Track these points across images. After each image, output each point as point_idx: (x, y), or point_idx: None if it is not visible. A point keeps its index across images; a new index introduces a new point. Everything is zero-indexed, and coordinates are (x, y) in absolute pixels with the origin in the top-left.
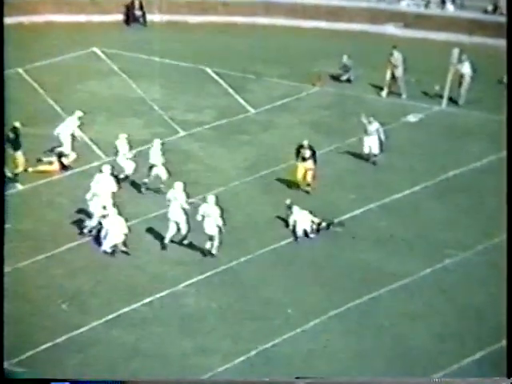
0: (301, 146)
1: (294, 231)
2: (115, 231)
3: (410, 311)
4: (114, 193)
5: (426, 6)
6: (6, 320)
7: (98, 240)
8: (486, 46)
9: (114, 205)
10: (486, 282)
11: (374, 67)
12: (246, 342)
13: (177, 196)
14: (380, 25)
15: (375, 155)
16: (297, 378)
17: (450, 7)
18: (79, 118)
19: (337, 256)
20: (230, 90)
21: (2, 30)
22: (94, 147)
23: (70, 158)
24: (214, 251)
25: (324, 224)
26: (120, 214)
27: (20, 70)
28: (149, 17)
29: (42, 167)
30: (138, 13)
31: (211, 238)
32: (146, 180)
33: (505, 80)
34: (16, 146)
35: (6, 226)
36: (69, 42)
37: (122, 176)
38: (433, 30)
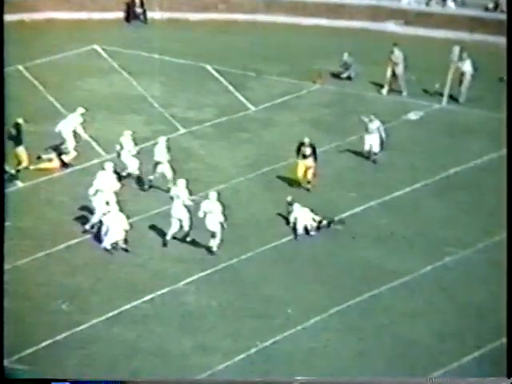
0: (301, 144)
1: (294, 229)
2: (116, 228)
3: (411, 309)
4: (116, 190)
5: (427, 3)
6: (6, 318)
7: (98, 237)
8: (487, 44)
9: (116, 201)
10: (487, 280)
11: (374, 65)
12: (246, 339)
13: (180, 193)
14: (381, 22)
15: (376, 153)
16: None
17: (450, 5)
18: (82, 115)
19: (337, 254)
20: (231, 88)
21: (2, 28)
22: (95, 145)
23: (70, 156)
24: (214, 248)
25: (325, 222)
26: (121, 210)
27: (20, 68)
28: (149, 14)
29: (42, 165)
30: (138, 10)
31: (213, 235)
32: (151, 177)
33: (505, 78)
34: (18, 142)
35: (6, 223)
36: (69, 40)
37: (124, 173)
38: (433, 27)
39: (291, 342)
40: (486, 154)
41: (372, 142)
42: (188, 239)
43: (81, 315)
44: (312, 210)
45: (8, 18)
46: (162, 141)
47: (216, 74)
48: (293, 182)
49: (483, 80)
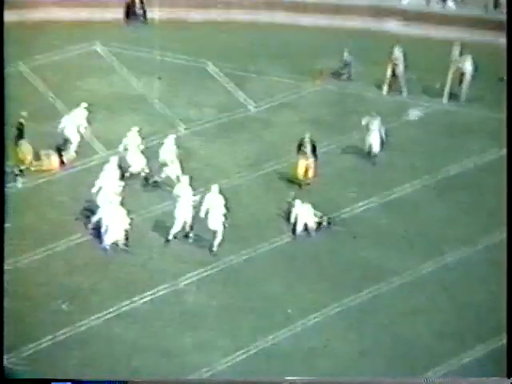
0: (302, 141)
1: (294, 226)
2: (116, 227)
3: (411, 308)
4: (119, 187)
5: (427, 3)
6: (6, 317)
7: (98, 236)
8: (487, 44)
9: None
10: (487, 279)
11: (374, 64)
12: (246, 338)
13: (183, 191)
14: (381, 22)
15: (376, 153)
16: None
17: (450, 4)
18: (85, 109)
19: (337, 253)
20: (231, 87)
21: (2, 27)
22: (95, 144)
23: (69, 157)
24: (214, 248)
25: (325, 222)
26: (122, 209)
27: (20, 67)
28: (149, 14)
29: (41, 164)
30: (138, 10)
31: (215, 234)
32: (158, 178)
33: (505, 78)
34: (20, 138)
35: (6, 223)
36: (69, 39)
37: (127, 174)
38: (434, 27)
39: (291, 340)
40: (486, 153)
41: (372, 142)
42: (190, 239)
43: (81, 314)
44: (314, 208)
45: (8, 17)
46: (169, 140)
47: (216, 74)
48: (293, 181)
49: (483, 80)
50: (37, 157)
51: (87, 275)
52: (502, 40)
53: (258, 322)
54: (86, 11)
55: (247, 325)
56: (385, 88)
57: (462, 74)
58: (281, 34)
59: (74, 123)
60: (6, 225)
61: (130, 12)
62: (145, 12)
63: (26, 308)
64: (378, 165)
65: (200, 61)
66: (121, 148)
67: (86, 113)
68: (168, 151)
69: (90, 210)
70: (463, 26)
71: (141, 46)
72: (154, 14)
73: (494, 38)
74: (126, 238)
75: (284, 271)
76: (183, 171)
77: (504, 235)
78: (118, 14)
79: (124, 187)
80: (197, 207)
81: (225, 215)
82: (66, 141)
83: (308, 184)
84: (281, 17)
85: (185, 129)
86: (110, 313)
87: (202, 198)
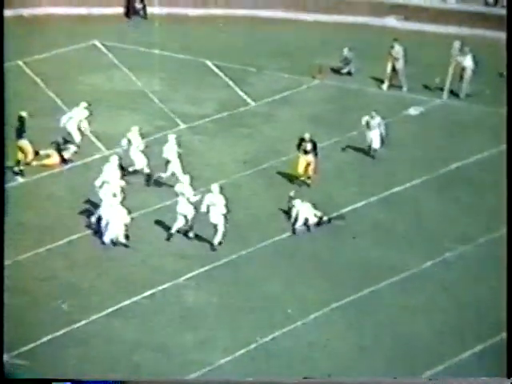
0: (302, 139)
1: (294, 224)
2: (116, 222)
3: (410, 305)
4: (120, 184)
5: None
6: (6, 313)
7: (98, 232)
8: (487, 39)
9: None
10: (487, 275)
11: (374, 60)
12: (246, 335)
13: (184, 189)
14: (381, 17)
15: (376, 149)
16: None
17: (451, 0)
18: (85, 109)
19: (337, 250)
20: (231, 83)
21: (1, 23)
22: (95, 140)
23: (70, 151)
24: (216, 242)
25: (325, 218)
26: (122, 205)
27: (20, 63)
28: (149, 9)
29: (42, 161)
30: (138, 5)
31: (216, 229)
32: (163, 175)
33: (505, 73)
34: (21, 134)
35: (7, 218)
36: (69, 35)
37: (131, 169)
38: (434, 22)
39: (291, 337)
40: (486, 149)
41: (373, 139)
42: (190, 235)
43: (81, 311)
44: (313, 205)
45: (7, 13)
46: (171, 138)
47: (216, 70)
48: (293, 178)
49: (483, 75)
50: (37, 156)
51: (87, 271)
52: (502, 35)
53: (258, 319)
54: (86, 7)
55: (247, 322)
56: (385, 84)
57: (463, 70)
58: (281, 30)
59: (75, 120)
60: (7, 218)
61: (129, 8)
62: (145, 8)
63: (26, 303)
64: (378, 161)
65: (200, 56)
66: (124, 143)
67: (86, 111)
68: (171, 149)
69: (93, 204)
70: (463, 21)
71: (141, 42)
72: (154, 9)
73: (493, 34)
74: (127, 235)
75: (284, 269)
76: (183, 168)
77: (504, 231)
78: (118, 9)
79: (126, 184)
80: (197, 206)
81: (225, 215)
82: (67, 138)
83: (309, 178)
84: (280, 13)
85: (184, 124)
86: (110, 309)
87: (203, 197)
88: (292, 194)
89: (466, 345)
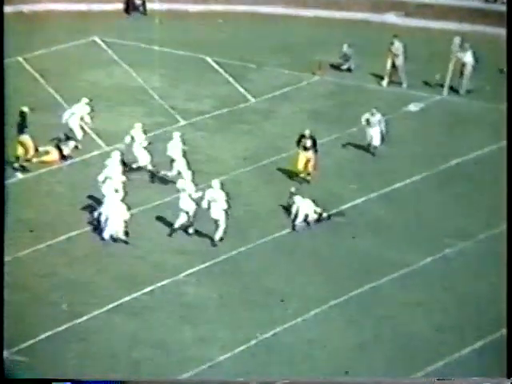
0: (302, 136)
1: (294, 220)
2: (115, 218)
3: (410, 301)
4: (122, 180)
5: None
6: (6, 309)
7: (98, 228)
8: (487, 35)
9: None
10: (487, 271)
11: (374, 56)
12: (246, 331)
13: (186, 185)
14: (381, 14)
15: (376, 147)
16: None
17: None
18: (86, 104)
19: (337, 245)
20: (231, 79)
21: (1, 19)
22: (94, 136)
23: (70, 147)
24: (217, 238)
25: (325, 215)
26: (122, 201)
27: (20, 59)
28: (149, 5)
29: (41, 158)
30: (137, 1)
31: (217, 224)
32: (169, 174)
33: (505, 69)
34: (22, 130)
35: (6, 215)
36: (69, 31)
37: (134, 166)
38: (434, 18)
39: (291, 333)
40: (486, 145)
41: (373, 136)
42: (190, 231)
43: (81, 307)
44: (313, 202)
45: (7, 9)
46: (176, 136)
47: (216, 66)
48: (293, 174)
49: (483, 71)
50: (36, 152)
51: (87, 267)
52: (502, 31)
53: (258, 315)
54: (86, 3)
55: (247, 318)
56: (385, 80)
57: (463, 66)
58: (280, 26)
59: (76, 116)
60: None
61: (129, 4)
62: (144, 4)
63: (26, 299)
64: (378, 157)
65: (199, 52)
66: (127, 139)
67: (88, 107)
68: (175, 147)
69: (95, 200)
70: (463, 17)
71: (141, 38)
72: (154, 5)
73: (493, 30)
74: (126, 232)
75: (284, 263)
76: (188, 165)
77: (504, 227)
78: (118, 5)
79: (127, 180)
80: (199, 202)
81: (226, 210)
82: (67, 134)
83: (308, 175)
84: (280, 9)
85: (184, 121)
86: (110, 305)
87: (203, 193)
88: (293, 189)
89: (465, 341)
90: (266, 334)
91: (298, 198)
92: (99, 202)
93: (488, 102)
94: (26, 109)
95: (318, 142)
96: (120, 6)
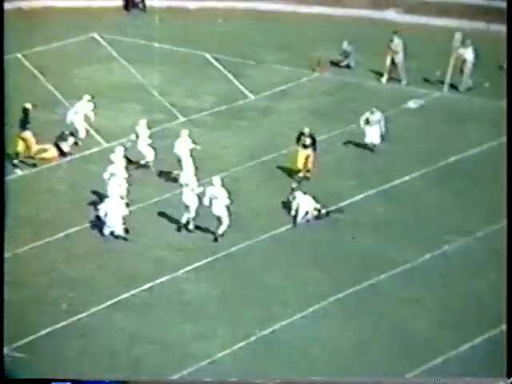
0: (301, 134)
1: (295, 216)
2: (114, 215)
3: (410, 297)
4: (124, 177)
5: None
6: (6, 306)
7: (99, 225)
8: (487, 32)
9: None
10: (486, 268)
11: (374, 53)
12: (245, 327)
13: (188, 181)
14: (380, 10)
15: (375, 145)
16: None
17: None
18: (88, 101)
19: (337, 242)
20: (230, 76)
21: (1, 16)
22: (94, 133)
23: (69, 143)
24: (219, 232)
25: (323, 211)
26: (121, 197)
27: (19, 56)
28: (148, 2)
29: (41, 154)
30: None
31: (220, 221)
32: (177, 172)
33: (505, 66)
34: (24, 126)
35: (6, 211)
36: (68, 28)
37: (142, 162)
38: (433, 15)
39: (291, 329)
40: (485, 142)
41: (372, 134)
42: (190, 227)
43: (80, 303)
44: (312, 198)
45: (7, 5)
46: (184, 134)
47: (215, 63)
48: (292, 172)
49: (483, 68)
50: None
51: (87, 264)
52: (502, 28)
53: (258, 311)
54: (85, 0)
55: (247, 315)
56: (384, 77)
57: (463, 62)
58: (280, 23)
59: (80, 115)
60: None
61: (129, 0)
62: (144, 0)
63: (26, 296)
64: (378, 154)
65: (199, 49)
66: (133, 137)
67: (91, 104)
68: (182, 145)
69: (100, 195)
70: (463, 14)
71: (140, 35)
72: (154, 2)
73: (494, 26)
74: (126, 228)
75: (284, 260)
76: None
77: (504, 223)
78: (117, 2)
79: (128, 176)
80: (201, 197)
81: (228, 206)
82: (66, 131)
83: (308, 172)
84: (280, 5)
85: (184, 117)
86: (109, 301)
87: (204, 190)
88: (294, 185)
89: (465, 337)
90: (265, 330)
91: (299, 194)
92: (103, 199)
93: (488, 98)
94: (28, 105)
95: (318, 138)
96: (119, 2)
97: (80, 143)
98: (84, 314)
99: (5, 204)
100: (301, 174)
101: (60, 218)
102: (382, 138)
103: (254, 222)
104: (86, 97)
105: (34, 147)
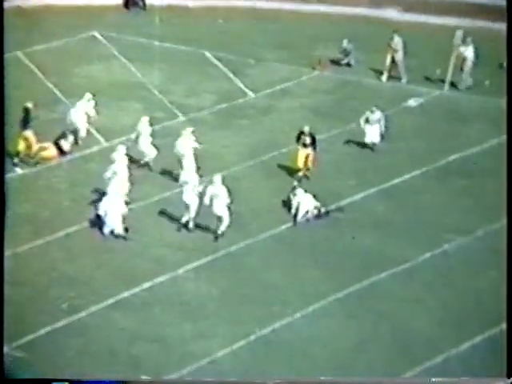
0: (301, 133)
1: (295, 214)
2: (114, 213)
3: (410, 296)
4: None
5: None
6: (6, 305)
7: (99, 223)
8: (487, 30)
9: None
10: (486, 267)
11: (374, 51)
12: (245, 326)
13: (189, 179)
14: (381, 9)
15: (375, 144)
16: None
17: None
18: (89, 100)
19: (336, 241)
20: (230, 75)
21: (1, 14)
22: (94, 131)
23: (68, 141)
24: (221, 230)
25: (323, 210)
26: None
27: (19, 54)
28: (148, 0)
29: (40, 153)
30: None
31: (220, 220)
32: (179, 171)
33: (505, 64)
34: (26, 125)
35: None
36: (68, 26)
37: (143, 161)
38: (433, 14)
39: (291, 329)
40: (486, 140)
41: (372, 133)
42: (190, 226)
43: (80, 302)
44: (313, 197)
45: (7, 4)
46: (187, 133)
47: (215, 61)
48: (293, 170)
49: (483, 66)
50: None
51: (87, 262)
52: (503, 26)
53: (258, 310)
54: None
55: (247, 314)
56: (384, 75)
57: (463, 61)
58: (280, 21)
59: (82, 113)
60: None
61: None
62: None
63: (26, 294)
64: (378, 152)
65: (199, 48)
66: (133, 136)
67: (92, 102)
68: (184, 144)
69: (90, 197)
70: (463, 12)
71: (140, 33)
72: (154, 0)
73: (494, 25)
74: (126, 228)
75: (284, 259)
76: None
77: (504, 222)
78: (117, 0)
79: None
80: (202, 195)
81: (229, 205)
82: (67, 130)
83: (308, 170)
84: (280, 4)
85: (184, 116)
86: (109, 300)
87: (205, 188)
88: (295, 183)
89: (465, 336)
90: (265, 329)
91: (299, 192)
92: (103, 197)
93: (488, 97)
94: (30, 105)
95: (318, 137)
96: (120, 0)
97: (80, 142)
98: (84, 313)
99: (5, 203)
100: (301, 173)
101: (60, 216)
102: (382, 136)
103: (253, 221)
104: (87, 95)
105: (36, 146)
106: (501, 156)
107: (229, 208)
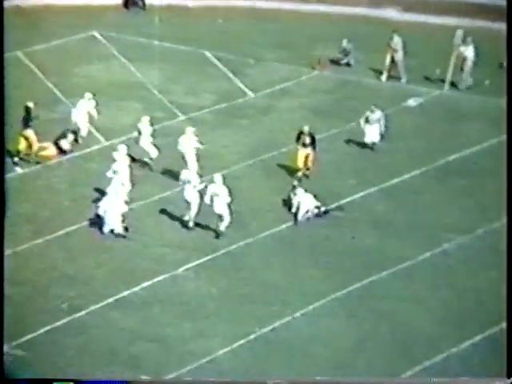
0: (301, 133)
1: (296, 213)
2: (113, 212)
3: (410, 295)
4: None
5: None
6: (6, 303)
7: (99, 223)
8: (487, 30)
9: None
10: (486, 266)
11: (373, 51)
12: (245, 325)
13: (190, 178)
14: (380, 8)
15: (375, 143)
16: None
17: None
18: (90, 99)
19: (337, 240)
20: (230, 74)
21: (1, 14)
22: (93, 131)
23: (68, 140)
24: (222, 228)
25: (323, 209)
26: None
27: (19, 54)
28: (148, 0)
29: (40, 152)
30: None
31: (221, 218)
32: (181, 170)
33: (505, 64)
34: (27, 124)
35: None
36: (68, 26)
37: (151, 157)
38: (433, 13)
39: (291, 328)
40: (485, 140)
41: (372, 133)
42: (190, 225)
43: (80, 301)
44: (313, 197)
45: (6, 3)
46: (188, 132)
47: (215, 61)
48: (292, 170)
49: (483, 66)
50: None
51: (86, 261)
52: (503, 26)
53: (258, 310)
54: None
55: (247, 313)
56: (384, 75)
57: (463, 60)
58: (280, 21)
59: (83, 113)
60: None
61: None
62: None
63: (26, 293)
64: (378, 152)
65: (199, 47)
66: (135, 133)
67: (93, 101)
68: (186, 143)
69: (90, 196)
70: (463, 12)
71: (140, 33)
72: (154, 0)
73: (494, 24)
74: (126, 227)
75: (284, 258)
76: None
77: (504, 221)
78: (117, 0)
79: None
80: (202, 194)
81: (229, 204)
82: (67, 130)
83: (308, 170)
84: (280, 3)
85: (183, 115)
86: (109, 299)
87: (205, 188)
88: (295, 182)
89: (465, 335)
90: (265, 328)
91: (300, 191)
92: (102, 197)
93: (488, 96)
94: (31, 104)
95: (317, 136)
96: (119, 0)
97: (80, 141)
98: (83, 313)
99: (5, 202)
100: (300, 173)
101: (60, 216)
102: (382, 136)
103: (253, 220)
104: (88, 95)
105: (36, 145)
106: (501, 156)
107: (229, 207)
